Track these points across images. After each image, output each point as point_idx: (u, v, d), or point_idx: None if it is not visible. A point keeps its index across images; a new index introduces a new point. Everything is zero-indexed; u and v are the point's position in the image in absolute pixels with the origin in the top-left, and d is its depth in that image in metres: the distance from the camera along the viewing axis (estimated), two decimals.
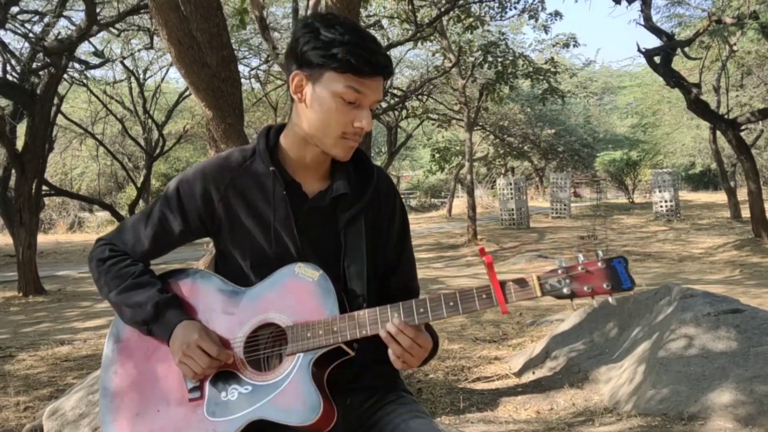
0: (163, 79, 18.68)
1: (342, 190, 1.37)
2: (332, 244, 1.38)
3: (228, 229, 1.38)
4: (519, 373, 4.40)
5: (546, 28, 12.88)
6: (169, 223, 1.39)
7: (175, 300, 1.37)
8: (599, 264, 1.23)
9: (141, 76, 16.88)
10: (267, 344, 1.35)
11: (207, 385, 1.32)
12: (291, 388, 1.27)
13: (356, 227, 1.38)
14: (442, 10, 11.52)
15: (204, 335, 1.30)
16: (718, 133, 14.48)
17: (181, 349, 1.30)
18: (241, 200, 1.36)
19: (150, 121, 17.18)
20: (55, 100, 10.97)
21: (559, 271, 1.24)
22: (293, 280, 1.33)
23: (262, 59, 16.11)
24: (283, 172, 1.36)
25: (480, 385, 4.22)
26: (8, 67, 10.51)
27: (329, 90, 1.28)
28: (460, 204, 23.63)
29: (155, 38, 12.82)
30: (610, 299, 1.23)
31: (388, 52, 1.37)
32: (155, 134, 17.42)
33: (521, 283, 1.24)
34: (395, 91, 16.41)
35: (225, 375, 1.32)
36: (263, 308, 1.33)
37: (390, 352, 1.27)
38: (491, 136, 22.36)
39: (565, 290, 1.23)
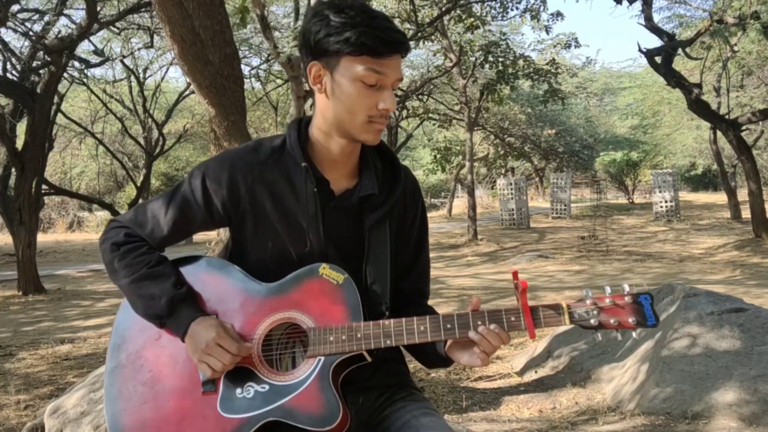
0: (163, 78, 18.68)
1: (369, 189, 1.34)
2: (356, 245, 1.35)
3: (252, 221, 1.34)
4: (521, 372, 4.39)
5: (547, 29, 12.87)
6: (191, 211, 1.34)
7: (190, 295, 1.32)
8: (626, 298, 1.26)
9: (141, 75, 16.86)
10: (280, 343, 1.33)
11: (221, 380, 1.29)
12: (311, 392, 1.24)
13: (382, 230, 1.36)
14: (443, 9, 11.51)
15: (223, 332, 1.26)
16: (719, 133, 14.48)
17: (199, 347, 1.26)
18: (268, 194, 1.32)
19: (150, 120, 17.15)
20: (55, 99, 10.96)
21: (588, 302, 1.26)
22: (317, 281, 1.29)
23: (263, 58, 16.10)
24: (314, 168, 1.32)
25: (482, 384, 4.21)
26: (8, 66, 10.51)
27: (348, 75, 1.24)
28: (460, 204, 23.64)
29: (155, 37, 12.82)
30: (633, 334, 1.26)
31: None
32: (155, 133, 17.40)
33: (552, 309, 1.25)
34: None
35: (241, 371, 1.28)
36: (284, 306, 1.30)
37: (476, 352, 1.26)
38: (492, 137, 22.36)
39: (592, 321, 1.26)
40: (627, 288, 1.27)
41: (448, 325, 1.26)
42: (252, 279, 1.34)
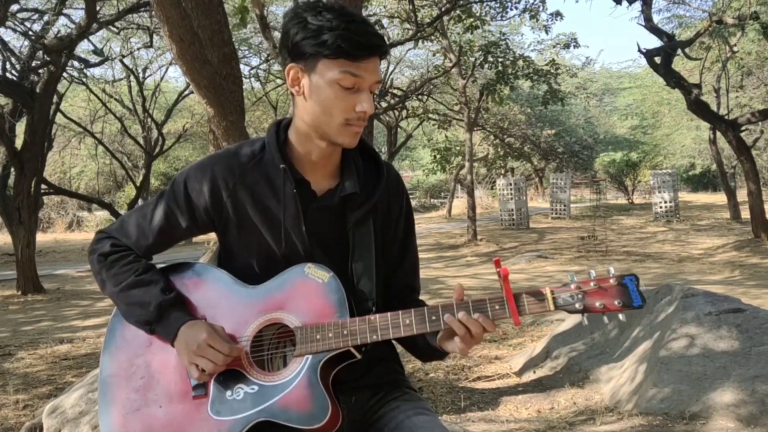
0: (162, 78, 18.69)
1: (351, 189, 1.34)
2: (341, 244, 1.36)
3: (235, 225, 1.35)
4: (520, 373, 4.39)
5: (546, 29, 12.88)
6: (175, 217, 1.36)
7: (178, 300, 1.33)
8: (611, 280, 1.25)
9: (140, 75, 16.85)
10: (271, 344, 1.33)
11: (211, 383, 1.30)
12: (299, 391, 1.25)
13: (365, 227, 1.36)
14: (443, 9, 11.51)
15: (213, 333, 1.27)
16: (718, 134, 14.49)
17: (190, 349, 1.27)
18: (249, 196, 1.33)
19: (149, 120, 17.14)
20: (55, 99, 10.95)
21: (572, 286, 1.25)
22: (303, 280, 1.30)
23: (262, 58, 16.11)
24: (293, 170, 1.33)
25: (481, 385, 4.21)
26: (8, 65, 10.50)
27: (325, 78, 1.24)
28: (459, 204, 23.63)
29: (155, 37, 12.81)
30: (620, 316, 1.25)
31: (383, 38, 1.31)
32: (154, 133, 17.39)
33: (535, 296, 1.25)
34: (395, 91, 16.40)
35: (230, 373, 1.29)
36: (271, 307, 1.31)
37: (456, 340, 1.25)
38: (491, 137, 22.37)
39: (577, 305, 1.24)
40: (612, 271, 1.26)
41: (433, 317, 1.26)
42: (239, 282, 1.35)
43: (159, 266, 1.40)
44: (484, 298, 1.26)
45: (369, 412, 1.38)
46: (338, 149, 1.35)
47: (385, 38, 13.60)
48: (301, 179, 1.33)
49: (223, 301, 1.34)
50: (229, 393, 1.28)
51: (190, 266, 1.40)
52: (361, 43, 1.23)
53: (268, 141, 1.36)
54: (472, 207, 14.94)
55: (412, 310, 1.27)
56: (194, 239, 16.63)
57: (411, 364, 4.28)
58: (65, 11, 11.20)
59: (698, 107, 12.08)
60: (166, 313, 1.30)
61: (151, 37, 12.89)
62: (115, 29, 12.38)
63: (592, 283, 1.25)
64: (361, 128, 1.28)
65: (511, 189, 17.91)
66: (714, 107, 14.88)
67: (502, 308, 1.25)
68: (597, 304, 1.23)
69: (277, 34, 11.74)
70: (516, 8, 12.44)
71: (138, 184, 15.59)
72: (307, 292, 1.29)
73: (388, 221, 1.41)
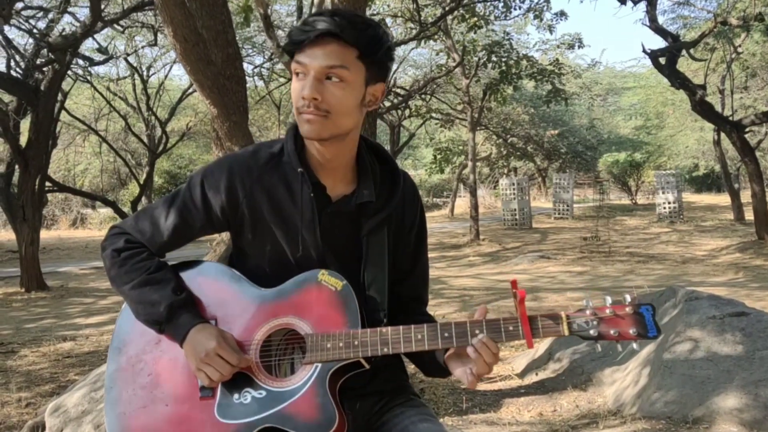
0: (166, 77, 18.70)
1: (367, 197, 1.33)
2: (354, 251, 1.35)
3: (250, 226, 1.34)
4: (522, 375, 4.38)
5: (551, 28, 12.86)
6: (191, 216, 1.35)
7: (189, 301, 1.33)
8: (627, 309, 1.25)
9: (144, 73, 16.88)
10: (280, 348, 1.33)
11: (219, 385, 1.29)
12: (307, 399, 1.24)
13: (379, 236, 1.36)
14: (447, 9, 11.50)
15: (222, 342, 1.26)
16: (723, 135, 14.45)
17: (198, 356, 1.26)
18: (266, 198, 1.33)
19: (153, 118, 17.19)
20: (59, 97, 10.97)
21: (588, 312, 1.25)
22: (315, 287, 1.29)
23: (266, 57, 16.11)
24: (310, 173, 1.33)
25: (483, 386, 4.20)
26: (12, 63, 10.52)
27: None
28: (462, 204, 23.61)
29: (159, 35, 12.83)
30: (634, 345, 1.25)
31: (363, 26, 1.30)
32: (158, 131, 17.42)
33: (551, 319, 1.24)
34: (398, 90, 16.40)
35: (239, 376, 1.28)
36: (282, 312, 1.30)
37: (468, 368, 1.25)
38: (494, 137, 22.35)
39: (591, 332, 1.24)
40: (629, 298, 1.25)
41: (446, 334, 1.25)
42: (251, 284, 1.34)
43: (171, 264, 1.39)
44: (498, 318, 1.26)
45: (373, 418, 1.38)
46: (344, 151, 1.34)
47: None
48: (317, 183, 1.33)
49: (235, 303, 1.33)
50: (236, 396, 1.27)
51: (202, 264, 1.40)
52: (300, 31, 1.26)
53: (286, 144, 1.36)
54: (475, 207, 14.93)
55: (425, 325, 1.26)
56: (197, 239, 16.66)
57: (412, 366, 4.28)
58: (70, 9, 11.20)
59: (702, 108, 12.05)
60: (176, 313, 1.30)
61: (156, 35, 12.91)
62: (119, 27, 12.40)
63: (607, 310, 1.25)
64: (311, 115, 1.25)
65: (514, 189, 17.89)
66: (718, 108, 14.84)
67: (516, 330, 1.24)
68: (612, 331, 1.24)
69: (280, 33, 11.72)
70: (520, 8, 12.42)
71: (141, 182, 15.63)
72: (319, 299, 1.28)
73: (401, 231, 1.40)
